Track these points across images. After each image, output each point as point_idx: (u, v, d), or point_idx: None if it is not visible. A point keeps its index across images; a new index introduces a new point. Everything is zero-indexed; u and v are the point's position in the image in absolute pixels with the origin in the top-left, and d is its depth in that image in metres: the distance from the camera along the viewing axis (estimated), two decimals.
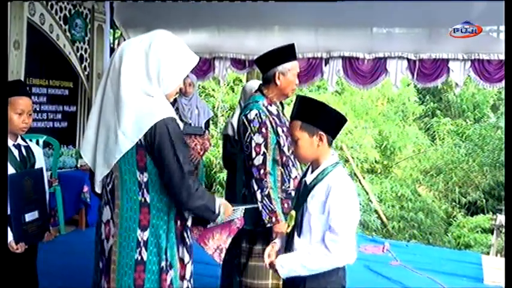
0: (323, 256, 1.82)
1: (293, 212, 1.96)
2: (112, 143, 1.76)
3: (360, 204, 7.24)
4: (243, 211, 1.95)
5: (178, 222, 1.87)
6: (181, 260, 1.88)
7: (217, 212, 1.86)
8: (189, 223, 1.90)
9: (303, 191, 1.94)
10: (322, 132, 1.89)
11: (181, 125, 1.84)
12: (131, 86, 1.76)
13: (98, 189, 1.88)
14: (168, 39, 1.83)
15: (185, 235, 1.87)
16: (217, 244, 1.87)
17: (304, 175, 1.99)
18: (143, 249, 1.79)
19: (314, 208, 1.86)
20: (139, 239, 1.79)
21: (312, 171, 1.95)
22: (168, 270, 1.81)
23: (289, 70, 2.69)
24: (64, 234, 4.69)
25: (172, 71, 1.80)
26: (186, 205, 1.81)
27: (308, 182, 1.92)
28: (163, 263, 1.80)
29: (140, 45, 1.80)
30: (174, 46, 1.82)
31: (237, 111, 3.76)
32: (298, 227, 1.90)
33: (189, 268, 1.90)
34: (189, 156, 1.83)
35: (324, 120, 1.90)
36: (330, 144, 1.93)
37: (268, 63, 2.71)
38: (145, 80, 1.77)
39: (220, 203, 1.89)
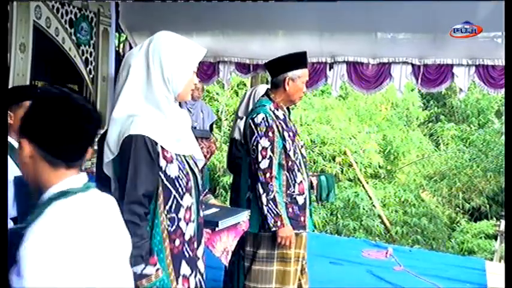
0: None
1: None
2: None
3: (364, 209, 7.27)
4: (248, 215, 1.94)
5: (173, 240, 1.79)
6: (184, 276, 1.83)
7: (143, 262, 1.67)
8: (186, 237, 1.83)
9: None
10: None
11: (165, 143, 1.74)
12: (127, 100, 1.76)
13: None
14: (166, 37, 1.81)
15: (184, 249, 1.82)
16: (223, 246, 1.86)
17: None
18: None
19: None
20: None
21: None
22: None
23: (299, 77, 2.71)
24: None
25: (176, 68, 1.76)
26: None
27: None
28: None
29: (140, 52, 1.79)
30: (174, 42, 1.79)
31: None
32: None
33: (192, 280, 1.87)
34: (152, 177, 1.72)
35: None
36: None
37: (279, 68, 2.73)
38: (146, 85, 1.75)
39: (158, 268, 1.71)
